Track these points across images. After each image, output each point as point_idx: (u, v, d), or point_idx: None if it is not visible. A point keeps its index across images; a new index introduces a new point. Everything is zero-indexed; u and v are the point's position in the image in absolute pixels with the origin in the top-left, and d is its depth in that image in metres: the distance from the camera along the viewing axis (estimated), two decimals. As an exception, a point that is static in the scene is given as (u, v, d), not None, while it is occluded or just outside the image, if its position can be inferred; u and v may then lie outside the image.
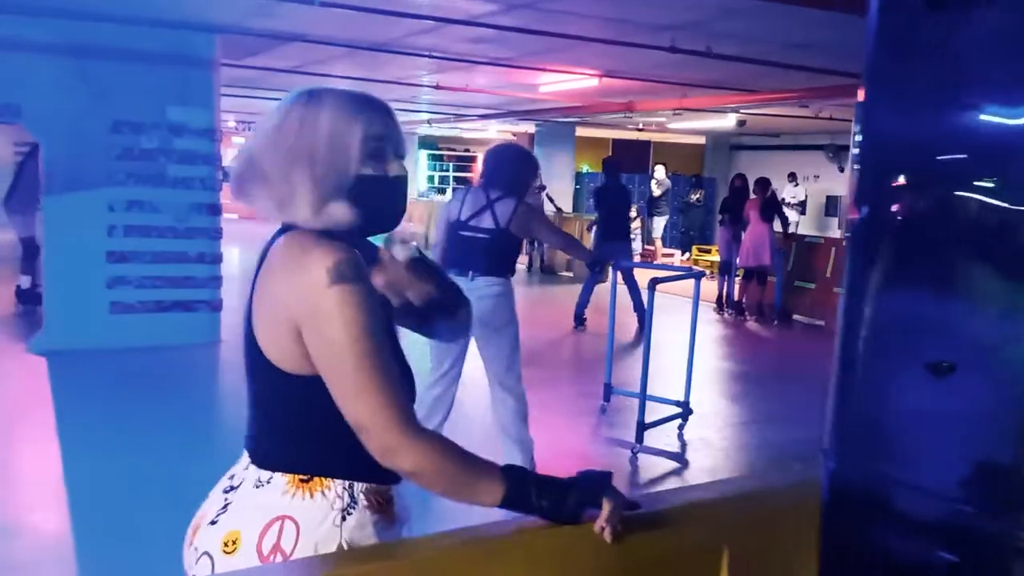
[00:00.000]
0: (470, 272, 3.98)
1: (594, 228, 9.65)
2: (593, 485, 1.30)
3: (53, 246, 6.93)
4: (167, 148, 7.12)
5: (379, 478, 1.34)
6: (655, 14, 5.83)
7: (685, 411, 5.50)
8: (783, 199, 15.54)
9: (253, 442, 1.41)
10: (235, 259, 10.44)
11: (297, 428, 1.37)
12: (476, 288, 3.90)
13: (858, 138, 1.36)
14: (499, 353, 4.05)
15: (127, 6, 6.37)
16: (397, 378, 1.28)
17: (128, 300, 7.16)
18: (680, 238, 17.38)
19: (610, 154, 19.97)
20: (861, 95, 1.36)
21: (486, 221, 4.04)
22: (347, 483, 1.36)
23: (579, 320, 9.06)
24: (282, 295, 1.31)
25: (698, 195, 16.88)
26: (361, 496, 1.37)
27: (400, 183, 1.40)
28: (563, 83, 9.71)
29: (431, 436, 1.28)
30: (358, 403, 1.25)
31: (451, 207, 4.18)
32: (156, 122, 7.05)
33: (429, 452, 1.25)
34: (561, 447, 4.91)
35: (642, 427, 5.08)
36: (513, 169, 4.17)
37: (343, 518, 1.34)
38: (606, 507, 1.28)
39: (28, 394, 5.76)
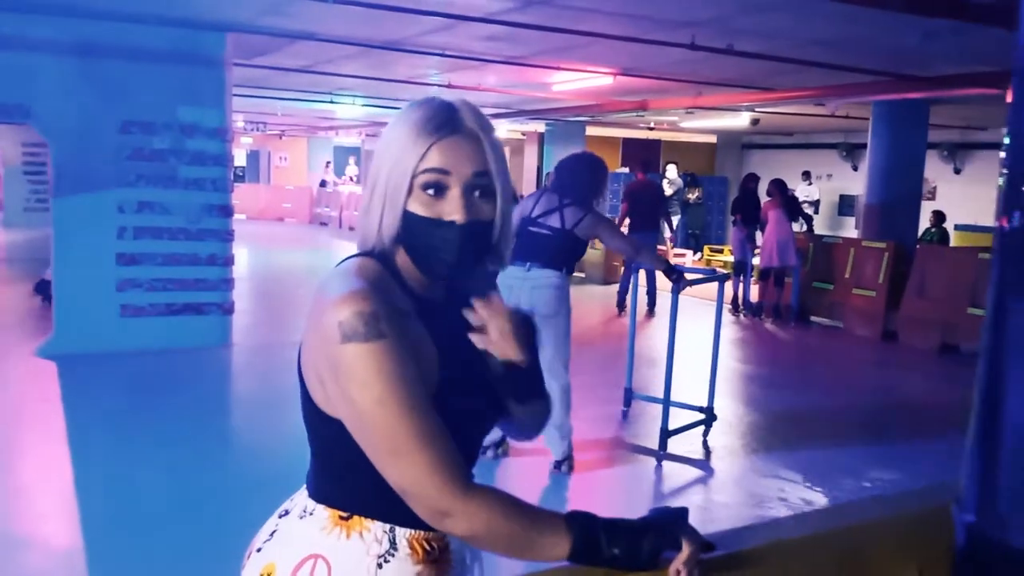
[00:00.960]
0: (528, 263, 4.30)
1: (626, 220, 10.01)
2: (669, 525, 1.17)
3: (62, 248, 6.83)
4: (178, 149, 7.02)
5: (425, 524, 1.18)
6: (676, 10, 5.70)
7: (709, 417, 5.36)
8: (797, 197, 15.38)
9: (310, 469, 1.31)
10: (244, 260, 10.34)
11: (339, 464, 1.25)
12: (531, 277, 4.28)
13: (1006, 141, 1.21)
14: (547, 341, 4.22)
15: (136, 4, 6.26)
16: (439, 434, 1.14)
17: (138, 303, 7.05)
18: (685, 238, 17.19)
19: (622, 152, 19.84)
20: (1010, 96, 1.22)
21: (553, 221, 4.37)
22: (388, 526, 1.23)
23: (621, 307, 9.92)
24: (309, 340, 1.21)
25: (695, 194, 16.69)
26: (404, 542, 1.23)
27: (448, 230, 1.19)
28: (577, 82, 9.58)
29: (484, 495, 1.13)
30: (395, 469, 1.13)
31: (525, 204, 4.50)
32: (167, 122, 6.95)
33: (484, 514, 1.12)
34: (583, 456, 4.78)
35: (665, 434, 4.95)
36: (585, 178, 4.48)
37: (379, 565, 1.21)
38: (686, 549, 1.15)
39: (39, 398, 5.66)
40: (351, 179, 24.21)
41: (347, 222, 20.47)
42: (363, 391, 1.11)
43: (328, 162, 24.44)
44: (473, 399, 1.27)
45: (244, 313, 9.39)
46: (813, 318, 10.00)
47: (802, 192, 15.44)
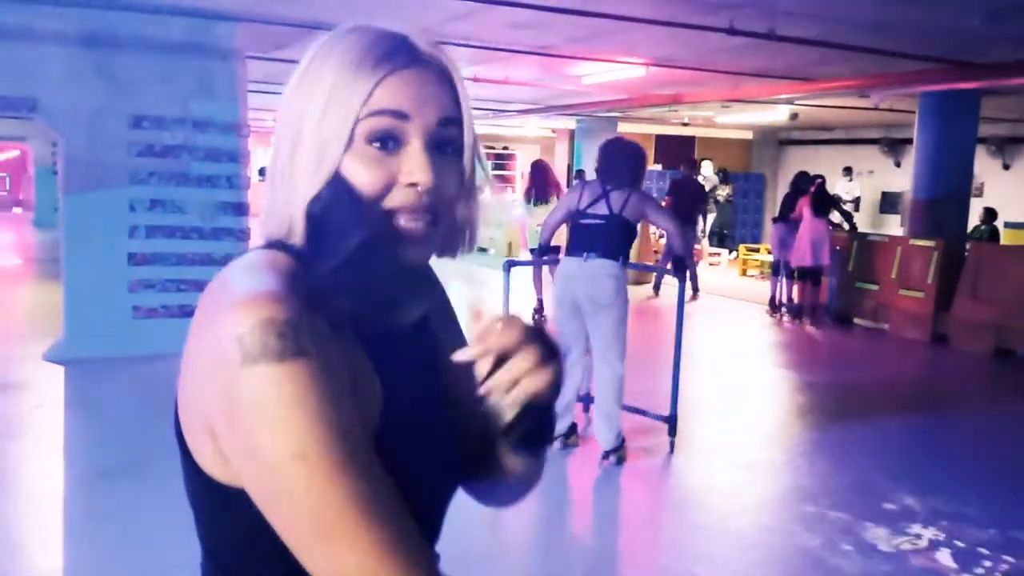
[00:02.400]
0: (585, 254, 4.37)
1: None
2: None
3: (72, 248, 6.59)
4: (191, 144, 6.75)
5: None
6: (713, -9, 5.32)
7: (671, 426, 4.84)
8: (839, 195, 14.88)
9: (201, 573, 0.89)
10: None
11: (242, 559, 0.84)
12: (590, 267, 4.36)
13: None
14: (604, 330, 4.39)
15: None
16: (389, 500, 0.75)
17: (151, 304, 6.79)
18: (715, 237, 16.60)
19: (655, 149, 19.44)
20: None
21: (601, 208, 4.43)
22: None
23: (657, 289, 11.04)
24: (191, 369, 0.79)
25: (726, 191, 16.13)
26: None
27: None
28: (607, 73, 9.18)
29: None
30: (326, 557, 0.73)
31: (570, 197, 4.61)
32: (179, 117, 6.68)
33: None
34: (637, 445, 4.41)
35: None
36: (626, 163, 4.53)
37: None
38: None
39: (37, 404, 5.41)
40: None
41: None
42: (275, 438, 0.71)
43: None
44: (427, 454, 0.87)
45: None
46: (856, 320, 9.52)
47: (842, 189, 14.90)
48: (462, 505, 1.03)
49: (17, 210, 23.21)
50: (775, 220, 10.02)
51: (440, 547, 0.91)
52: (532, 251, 4.79)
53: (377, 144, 0.81)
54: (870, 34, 6.37)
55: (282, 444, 0.71)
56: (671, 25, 5.98)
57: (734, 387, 6.64)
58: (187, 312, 6.97)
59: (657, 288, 10.93)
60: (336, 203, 0.80)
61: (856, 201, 15.40)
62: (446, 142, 0.84)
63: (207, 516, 0.85)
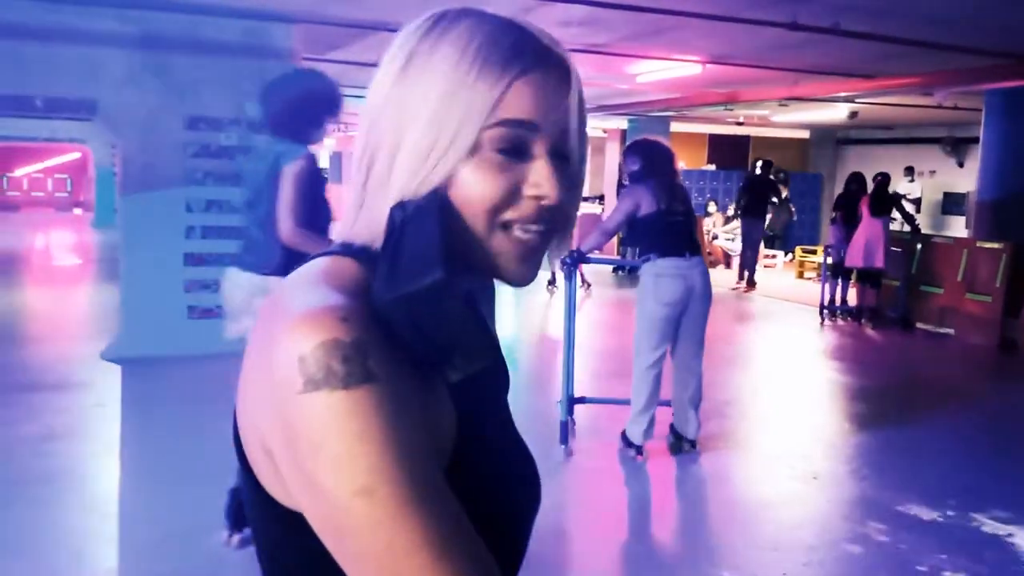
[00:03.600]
0: (686, 252, 4.43)
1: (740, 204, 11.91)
2: None
3: (129, 248, 6.66)
4: (245, 145, 6.78)
5: None
6: (776, -15, 5.16)
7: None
8: (901, 194, 14.49)
9: None
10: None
11: None
12: (693, 265, 4.43)
13: None
14: (701, 324, 4.52)
15: (202, -5, 6.04)
16: (468, 540, 0.67)
17: (207, 304, 6.83)
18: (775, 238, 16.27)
19: (709, 149, 19.20)
20: None
21: (677, 206, 4.46)
22: None
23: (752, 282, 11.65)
24: (250, 390, 0.72)
25: (783, 193, 15.75)
26: None
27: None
28: (662, 71, 9.03)
29: None
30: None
31: (644, 197, 4.44)
32: (234, 118, 6.72)
33: None
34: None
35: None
36: (671, 159, 4.63)
37: None
38: None
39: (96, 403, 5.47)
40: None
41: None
42: (338, 473, 0.64)
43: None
44: (510, 478, 0.80)
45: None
46: (919, 324, 9.23)
47: (903, 189, 14.51)
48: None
49: (77, 211, 23.75)
50: (833, 222, 9.78)
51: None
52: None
53: (503, 154, 0.74)
54: (935, 29, 6.14)
55: (346, 480, 0.64)
56: (731, 20, 5.83)
57: (791, 393, 6.46)
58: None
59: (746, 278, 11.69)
60: (428, 216, 0.72)
61: (917, 202, 14.98)
62: (566, 153, 0.77)
63: (267, 538, 0.78)
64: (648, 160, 4.51)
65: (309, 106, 3.29)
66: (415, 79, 0.75)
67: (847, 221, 9.34)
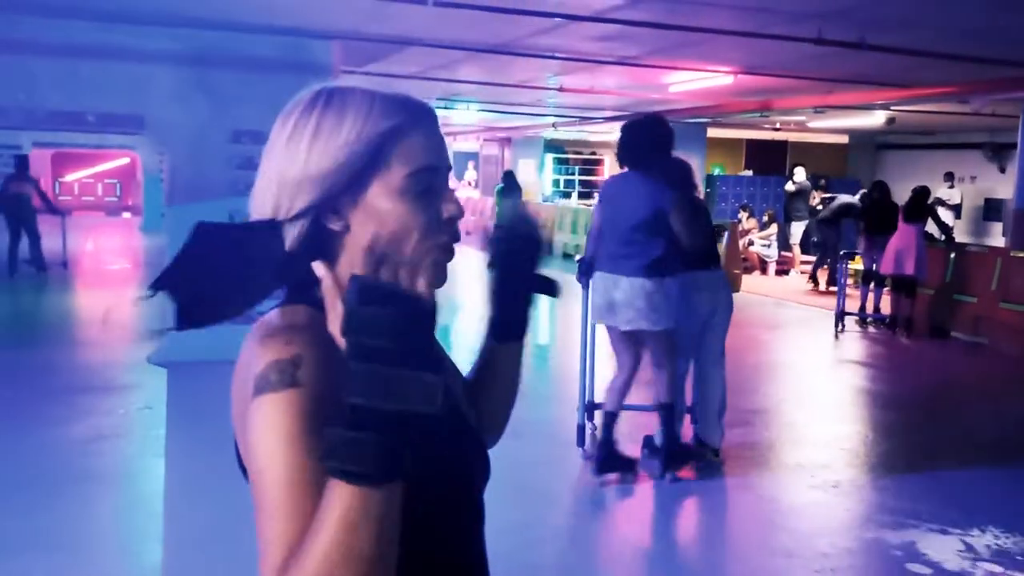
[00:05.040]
0: (710, 265, 4.62)
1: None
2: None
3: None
4: (286, 157, 7.01)
5: None
6: (800, 1, 5.24)
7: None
8: (941, 199, 14.35)
9: None
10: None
11: None
12: (715, 277, 4.64)
13: None
14: (721, 335, 4.67)
15: (245, 14, 6.28)
16: (302, 514, 0.82)
17: (251, 311, 7.08)
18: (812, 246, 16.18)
19: (746, 154, 19.17)
20: None
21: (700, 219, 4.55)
22: None
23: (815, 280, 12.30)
24: (237, 405, 0.94)
25: (822, 198, 15.66)
26: None
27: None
28: (694, 82, 9.13)
29: None
30: (257, 525, 0.85)
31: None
32: (276, 131, 6.95)
33: None
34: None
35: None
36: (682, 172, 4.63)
37: None
38: None
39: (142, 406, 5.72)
40: (469, 183, 24.34)
41: (464, 227, 20.48)
42: (253, 455, 0.87)
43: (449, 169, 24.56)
44: (461, 450, 1.02)
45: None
46: (953, 333, 9.19)
47: (943, 195, 14.39)
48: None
49: (126, 215, 24.34)
50: (870, 232, 9.78)
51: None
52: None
53: (422, 194, 0.97)
54: (965, 40, 6.17)
55: (255, 459, 0.86)
56: (757, 36, 5.93)
57: (818, 401, 6.52)
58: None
59: (815, 278, 12.45)
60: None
61: (957, 208, 14.84)
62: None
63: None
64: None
65: None
66: (326, 140, 0.98)
67: (871, 229, 9.38)
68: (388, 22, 6.37)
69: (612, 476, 4.50)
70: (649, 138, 4.25)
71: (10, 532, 3.72)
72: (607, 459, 4.46)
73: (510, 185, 15.82)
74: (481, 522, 1.05)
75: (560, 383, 6.77)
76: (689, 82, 9.19)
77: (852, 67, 7.66)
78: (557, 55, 7.48)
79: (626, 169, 4.33)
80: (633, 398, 4.66)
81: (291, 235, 0.96)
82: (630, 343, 4.40)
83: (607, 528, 4.19)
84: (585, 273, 4.62)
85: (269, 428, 0.85)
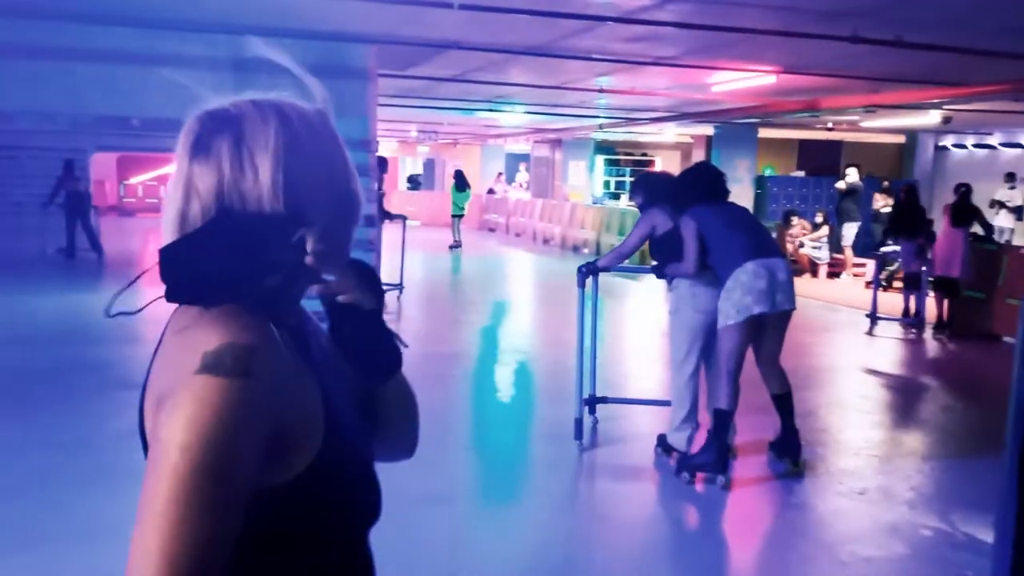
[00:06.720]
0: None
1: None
2: None
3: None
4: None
5: None
6: None
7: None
8: (1001, 201, 13.94)
9: None
10: (410, 266, 10.46)
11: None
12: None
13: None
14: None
15: (285, 20, 6.42)
16: (214, 541, 0.85)
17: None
18: (869, 247, 15.83)
19: (799, 155, 18.87)
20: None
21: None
22: None
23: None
24: (159, 376, 0.94)
25: (886, 202, 15.34)
26: None
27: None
28: (737, 82, 9.03)
29: None
30: (135, 534, 0.84)
31: (658, 221, 4.69)
32: (314, 134, 7.08)
33: None
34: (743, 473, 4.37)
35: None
36: (665, 185, 4.88)
37: None
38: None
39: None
40: (521, 185, 24.39)
41: (514, 228, 20.65)
42: (178, 427, 0.84)
43: (500, 172, 24.70)
44: (357, 435, 1.05)
45: (396, 320, 9.52)
46: (1006, 338, 8.90)
47: (1003, 196, 13.96)
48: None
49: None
50: (897, 234, 9.58)
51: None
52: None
53: None
54: (1010, 38, 5.99)
55: (178, 433, 0.84)
56: (791, 35, 5.85)
57: (851, 405, 6.39)
58: (319, 318, 7.55)
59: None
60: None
61: (1019, 210, 14.37)
62: None
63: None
64: (647, 191, 4.83)
65: None
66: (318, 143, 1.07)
67: (900, 232, 9.22)
68: (422, 26, 6.45)
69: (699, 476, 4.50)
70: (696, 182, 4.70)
71: (47, 521, 3.85)
72: (719, 460, 4.45)
73: (460, 183, 17.43)
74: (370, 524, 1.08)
75: (553, 379, 6.73)
76: (731, 82, 9.10)
77: (895, 65, 7.50)
78: (593, 56, 7.47)
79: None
80: (639, 393, 4.63)
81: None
82: (753, 334, 4.47)
83: (624, 529, 4.17)
84: (589, 274, 4.90)
85: (210, 413, 0.84)
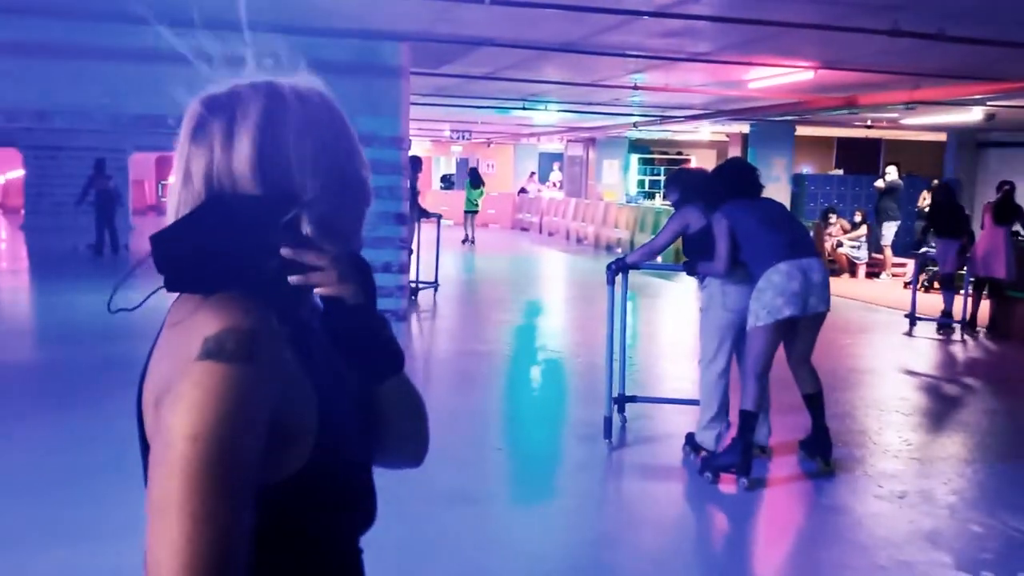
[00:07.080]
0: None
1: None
2: None
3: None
4: (355, 157, 7.14)
5: None
6: (872, -8, 5.05)
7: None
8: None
9: None
10: (445, 265, 10.44)
11: None
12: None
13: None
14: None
15: (318, 18, 6.42)
16: (234, 530, 0.83)
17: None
18: (910, 247, 15.53)
19: (837, 153, 18.61)
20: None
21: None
22: None
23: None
24: (160, 363, 0.92)
25: (926, 199, 15.03)
26: None
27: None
28: (773, 78, 8.89)
29: None
30: (152, 531, 0.82)
31: (691, 218, 4.61)
32: (346, 131, 7.09)
33: None
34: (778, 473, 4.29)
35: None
36: (702, 182, 4.76)
37: None
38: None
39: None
40: (554, 185, 24.31)
41: (547, 228, 20.60)
42: (184, 417, 0.82)
43: (532, 172, 24.66)
44: (355, 439, 1.01)
45: (431, 319, 9.53)
46: (1053, 340, 8.68)
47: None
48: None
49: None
50: (938, 234, 9.37)
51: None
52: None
53: None
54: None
55: (185, 423, 0.82)
56: (829, 29, 5.73)
57: (890, 407, 6.25)
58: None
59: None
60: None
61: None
62: None
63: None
64: (683, 188, 4.74)
65: None
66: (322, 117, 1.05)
67: (939, 231, 9.05)
68: (455, 23, 6.42)
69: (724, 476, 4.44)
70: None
71: (65, 521, 3.87)
72: (744, 461, 4.37)
73: (475, 180, 17.99)
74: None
75: (584, 378, 6.69)
76: (768, 78, 8.96)
77: (937, 60, 7.33)
78: (627, 52, 7.39)
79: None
80: (672, 392, 4.56)
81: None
82: (783, 336, 4.37)
83: (653, 530, 4.11)
84: (618, 271, 4.84)
85: (219, 400, 0.82)
